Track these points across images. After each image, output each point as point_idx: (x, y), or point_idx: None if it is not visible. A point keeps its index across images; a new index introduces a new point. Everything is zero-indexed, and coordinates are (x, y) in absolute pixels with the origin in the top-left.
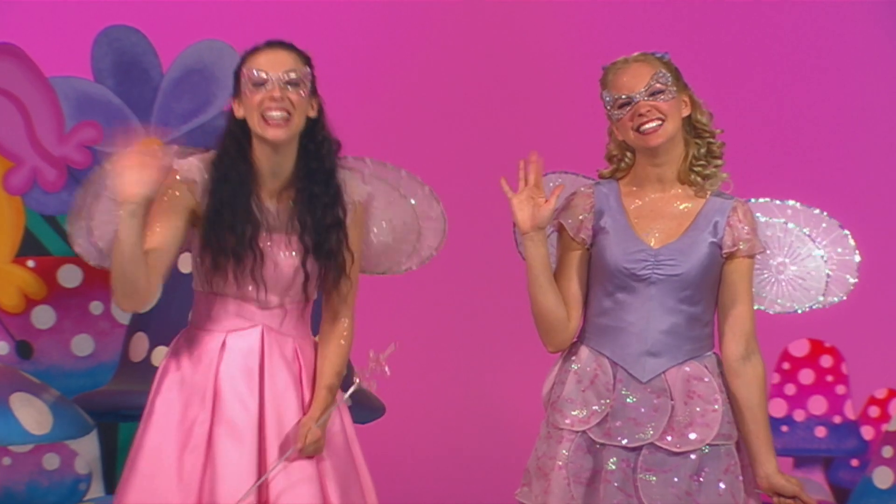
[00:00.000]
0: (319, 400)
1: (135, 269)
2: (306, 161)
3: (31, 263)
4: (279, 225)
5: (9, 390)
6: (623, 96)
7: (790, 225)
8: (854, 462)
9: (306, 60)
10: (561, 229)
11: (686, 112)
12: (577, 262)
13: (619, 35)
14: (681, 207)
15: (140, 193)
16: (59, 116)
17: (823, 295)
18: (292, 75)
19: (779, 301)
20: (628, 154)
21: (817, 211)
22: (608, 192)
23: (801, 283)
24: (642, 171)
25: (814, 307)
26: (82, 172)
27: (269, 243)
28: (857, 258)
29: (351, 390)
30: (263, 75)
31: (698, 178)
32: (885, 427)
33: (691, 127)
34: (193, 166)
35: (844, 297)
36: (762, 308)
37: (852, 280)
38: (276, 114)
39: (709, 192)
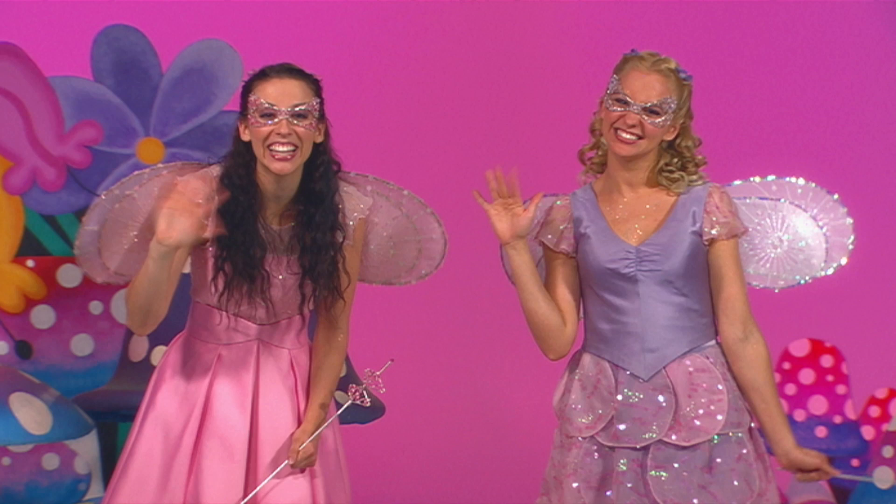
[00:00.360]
0: (312, 415)
1: (160, 302)
2: (308, 183)
3: (30, 263)
4: (281, 246)
5: (8, 390)
6: (624, 95)
7: (781, 200)
8: (854, 462)
9: (315, 88)
10: (543, 246)
11: (670, 137)
12: (563, 271)
13: (619, 35)
14: (654, 201)
15: (182, 240)
16: (59, 116)
17: (825, 262)
18: (301, 108)
19: (783, 276)
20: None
21: (801, 181)
22: (584, 199)
23: (801, 254)
24: (614, 174)
25: (817, 275)
26: (82, 172)
27: (272, 265)
28: (850, 220)
29: (343, 408)
30: (272, 108)
31: (665, 181)
32: (885, 427)
33: (669, 145)
34: (197, 188)
35: (845, 261)
36: (766, 286)
37: (850, 241)
38: (282, 149)
39: (677, 193)
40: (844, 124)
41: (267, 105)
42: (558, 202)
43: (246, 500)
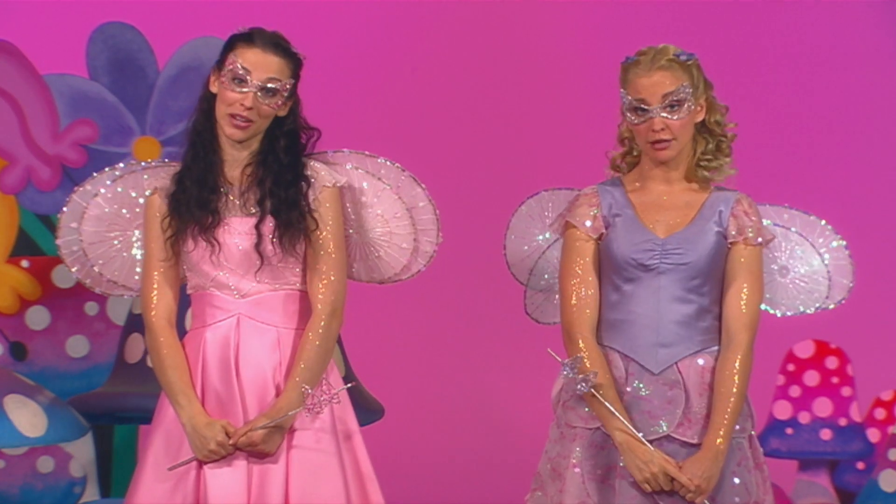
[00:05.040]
0: (277, 402)
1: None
2: (271, 143)
3: (25, 263)
4: (239, 204)
5: (2, 392)
6: (639, 104)
7: (791, 229)
8: (860, 465)
9: (294, 68)
10: (569, 228)
11: (700, 117)
12: (590, 257)
13: (621, 36)
14: (685, 199)
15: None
16: (54, 114)
17: (827, 297)
18: (272, 84)
19: (783, 303)
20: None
21: (812, 217)
22: (612, 190)
23: (804, 285)
24: (648, 171)
25: (819, 307)
26: (77, 171)
27: (234, 224)
28: (851, 262)
29: (293, 413)
30: (245, 75)
31: (705, 173)
32: (891, 429)
33: (702, 125)
34: (158, 175)
35: (843, 301)
36: (769, 310)
37: (849, 283)
38: (240, 117)
39: (713, 186)
40: (846, 128)
41: (241, 70)
42: (585, 190)
43: (184, 462)
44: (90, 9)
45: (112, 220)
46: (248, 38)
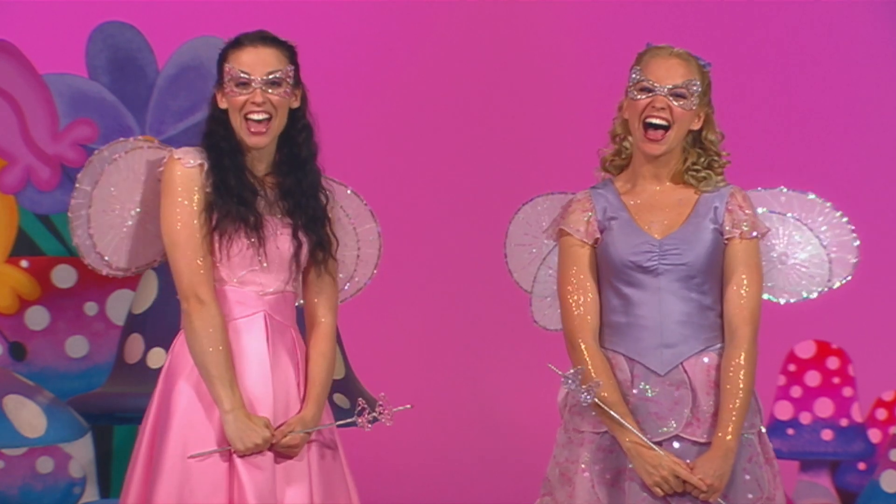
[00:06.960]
0: (310, 407)
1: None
2: (292, 149)
3: (24, 263)
4: (268, 207)
5: (2, 392)
6: (648, 82)
7: (788, 215)
8: (861, 465)
9: (289, 55)
10: (563, 235)
11: (696, 126)
12: (587, 263)
13: (621, 36)
14: (678, 196)
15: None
16: (53, 114)
17: (830, 279)
18: (275, 75)
19: (787, 290)
20: (629, 139)
21: (811, 196)
22: (605, 193)
23: (805, 270)
24: (639, 168)
25: (822, 291)
26: (76, 171)
27: (268, 224)
28: (855, 237)
29: (343, 423)
30: (246, 77)
31: (692, 181)
32: (892, 430)
33: (696, 140)
34: (193, 152)
35: (849, 278)
36: (772, 298)
37: (853, 260)
38: (257, 117)
39: (703, 191)
40: (847, 124)
41: (241, 73)
42: (578, 195)
43: (213, 451)
44: (90, 9)
45: (118, 193)
46: (236, 43)
